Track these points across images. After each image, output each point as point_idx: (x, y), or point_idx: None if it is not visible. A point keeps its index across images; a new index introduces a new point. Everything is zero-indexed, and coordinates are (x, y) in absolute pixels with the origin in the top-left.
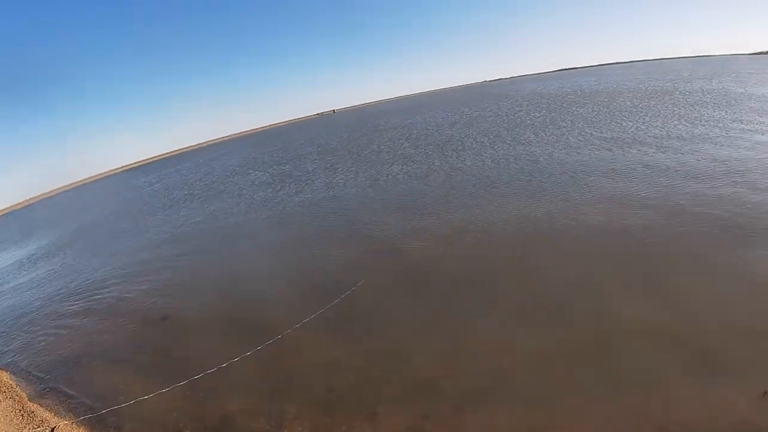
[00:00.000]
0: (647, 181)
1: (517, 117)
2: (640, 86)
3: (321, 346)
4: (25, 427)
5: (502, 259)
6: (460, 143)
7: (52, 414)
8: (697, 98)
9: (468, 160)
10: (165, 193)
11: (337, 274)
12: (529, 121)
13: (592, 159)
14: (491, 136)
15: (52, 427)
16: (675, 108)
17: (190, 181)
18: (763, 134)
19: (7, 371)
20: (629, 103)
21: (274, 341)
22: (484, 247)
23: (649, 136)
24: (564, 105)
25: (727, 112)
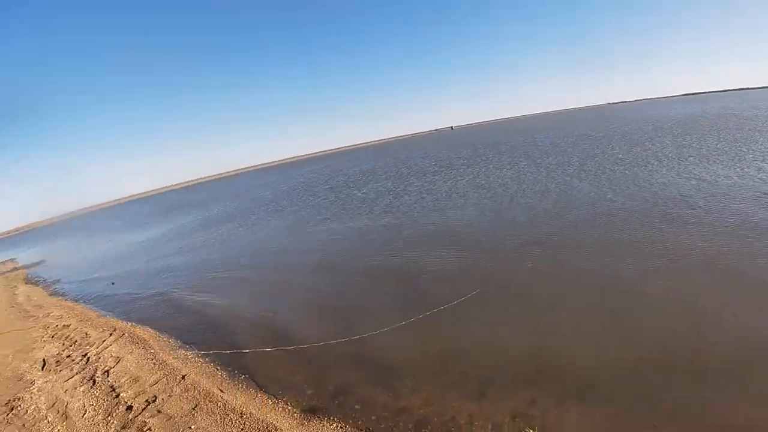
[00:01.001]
0: None
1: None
2: None
3: (434, 337)
4: (156, 373)
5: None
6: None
7: (183, 364)
8: None
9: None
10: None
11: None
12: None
13: None
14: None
15: (183, 374)
16: None
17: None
18: None
19: (146, 326)
20: None
21: (407, 323)
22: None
23: None
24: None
25: None
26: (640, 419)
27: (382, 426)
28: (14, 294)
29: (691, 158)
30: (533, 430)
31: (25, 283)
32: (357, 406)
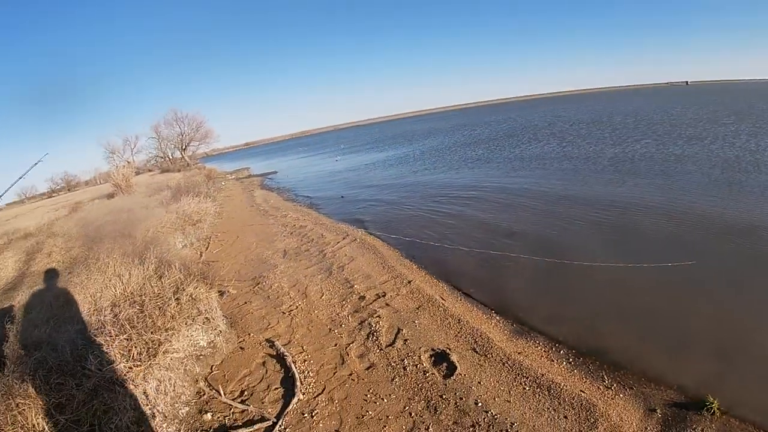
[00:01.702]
0: None
1: None
2: None
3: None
4: (384, 275)
5: None
6: None
7: (409, 271)
8: None
9: None
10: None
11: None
12: None
13: None
14: None
15: (409, 280)
16: None
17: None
18: None
19: (375, 236)
20: None
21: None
22: None
23: None
24: None
25: None
26: None
27: (584, 358)
28: (252, 196)
29: None
30: (716, 401)
31: (261, 188)
32: (563, 336)
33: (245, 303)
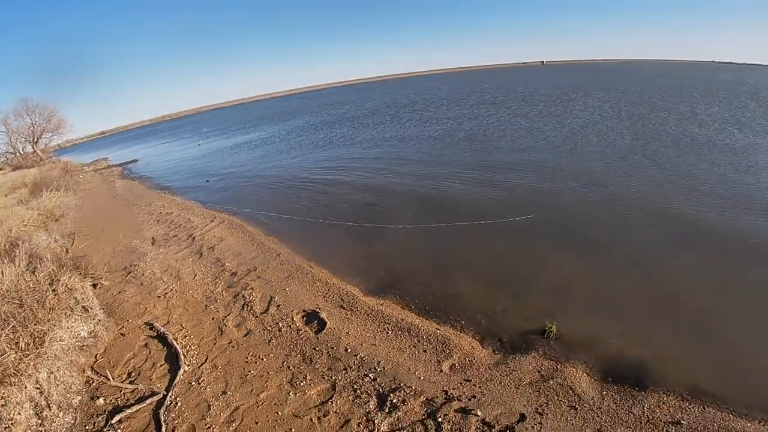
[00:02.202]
0: None
1: None
2: None
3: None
4: (254, 251)
5: None
6: None
7: (277, 246)
8: None
9: None
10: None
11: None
12: None
13: None
14: None
15: (278, 253)
16: None
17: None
18: None
19: (241, 216)
20: None
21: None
22: None
23: None
24: None
25: None
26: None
27: (438, 304)
28: (114, 187)
29: None
30: (554, 326)
31: (122, 179)
32: (417, 288)
33: (119, 292)
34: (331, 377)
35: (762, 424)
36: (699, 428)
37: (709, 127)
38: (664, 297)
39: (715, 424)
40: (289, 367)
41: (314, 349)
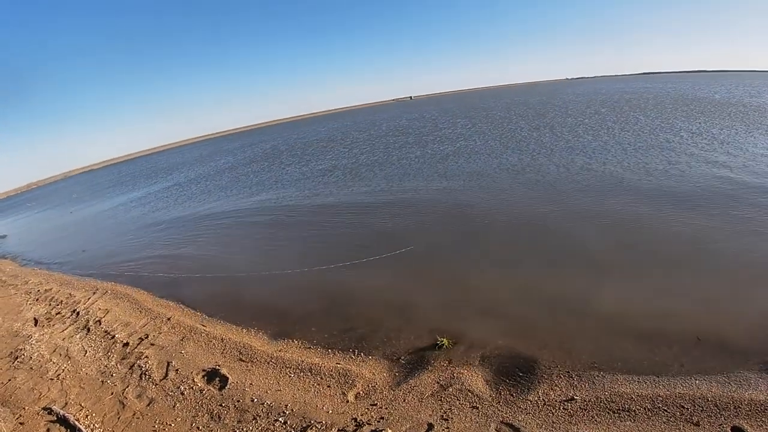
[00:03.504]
0: None
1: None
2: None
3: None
4: (143, 318)
5: None
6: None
7: (166, 309)
8: None
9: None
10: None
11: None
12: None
13: None
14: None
15: (168, 317)
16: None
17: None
18: None
19: (126, 284)
20: None
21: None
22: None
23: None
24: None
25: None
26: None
27: (334, 341)
28: None
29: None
30: (446, 339)
31: None
32: (313, 329)
33: (9, 380)
34: (242, 429)
35: (637, 377)
36: (591, 399)
37: (564, 137)
38: (532, 291)
39: (605, 391)
40: (198, 428)
41: (221, 405)
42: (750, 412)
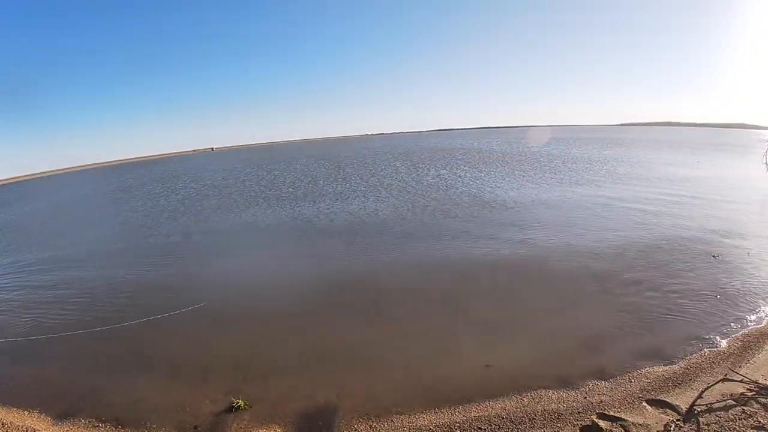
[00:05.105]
0: None
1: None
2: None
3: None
4: None
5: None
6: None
7: None
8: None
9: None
10: None
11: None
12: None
13: None
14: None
15: None
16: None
17: None
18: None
19: None
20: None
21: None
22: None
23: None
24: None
25: None
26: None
27: (125, 414)
28: None
29: None
30: (241, 400)
31: None
32: (99, 403)
33: None
34: None
35: (434, 409)
36: None
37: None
38: (323, 342)
39: (404, 428)
40: None
41: None
42: (545, 422)
